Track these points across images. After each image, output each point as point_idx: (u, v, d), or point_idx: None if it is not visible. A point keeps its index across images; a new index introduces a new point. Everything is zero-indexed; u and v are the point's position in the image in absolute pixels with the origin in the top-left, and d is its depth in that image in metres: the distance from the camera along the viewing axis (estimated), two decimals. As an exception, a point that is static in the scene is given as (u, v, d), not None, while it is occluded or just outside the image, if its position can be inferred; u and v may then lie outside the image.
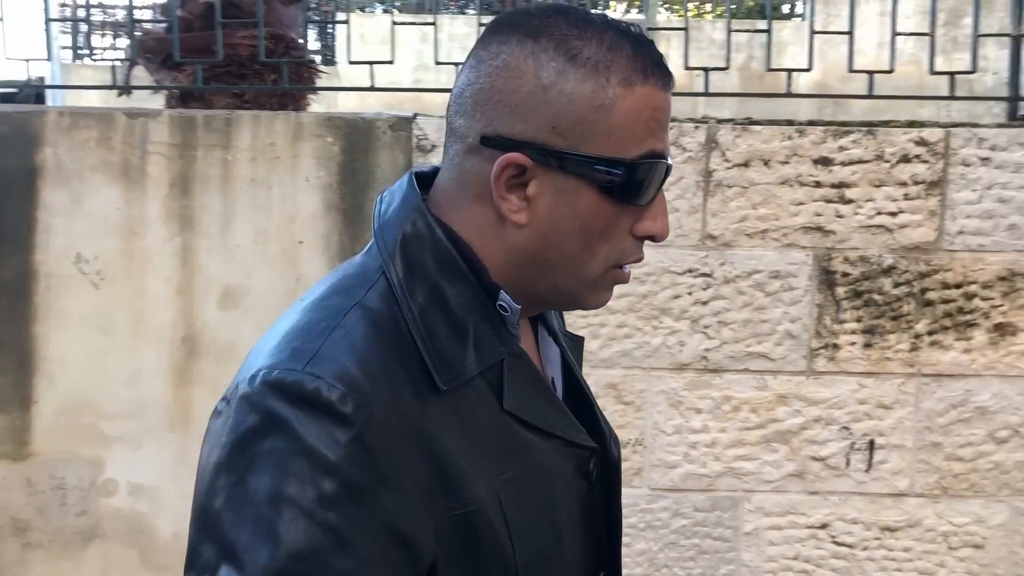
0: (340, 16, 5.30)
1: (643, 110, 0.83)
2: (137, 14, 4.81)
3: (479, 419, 0.83)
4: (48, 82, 4.88)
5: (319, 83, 3.24)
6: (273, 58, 2.88)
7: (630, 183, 0.83)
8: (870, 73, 2.65)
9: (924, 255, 2.47)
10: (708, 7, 9.33)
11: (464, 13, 8.85)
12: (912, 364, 2.48)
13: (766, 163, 2.46)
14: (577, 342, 1.03)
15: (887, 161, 2.46)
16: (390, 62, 2.76)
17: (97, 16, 8.54)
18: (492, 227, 0.85)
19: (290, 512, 0.74)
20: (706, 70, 2.69)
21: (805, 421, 2.49)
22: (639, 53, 0.83)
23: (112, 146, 2.51)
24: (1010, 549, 2.52)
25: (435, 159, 2.48)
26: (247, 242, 2.52)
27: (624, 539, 2.50)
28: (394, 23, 2.88)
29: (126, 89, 2.94)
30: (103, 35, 9.17)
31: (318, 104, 4.02)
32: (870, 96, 2.68)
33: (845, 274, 2.47)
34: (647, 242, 0.88)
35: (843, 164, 2.46)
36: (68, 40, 8.47)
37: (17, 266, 2.51)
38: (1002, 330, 2.48)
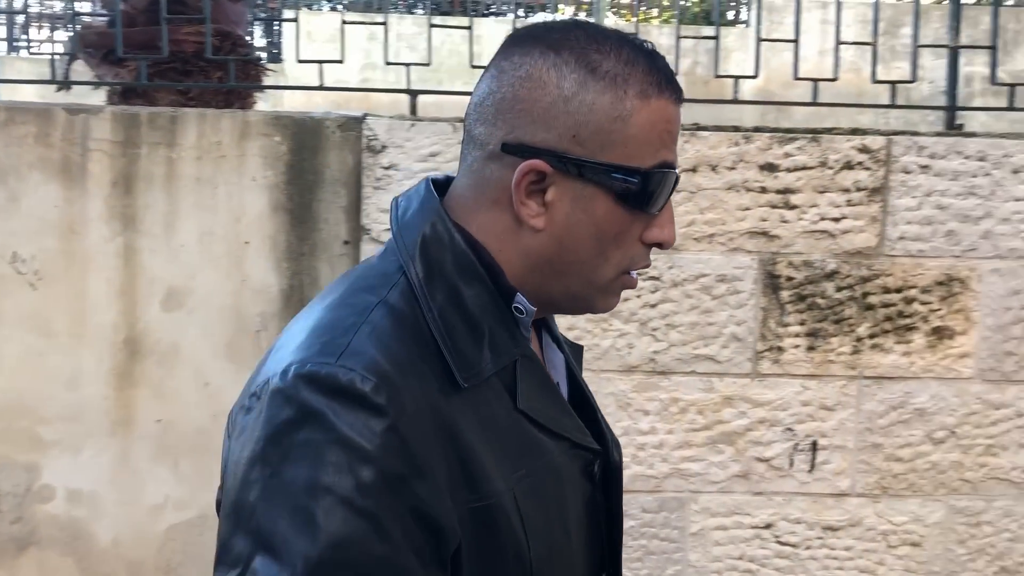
0: (288, 14, 5.23)
1: (657, 122, 0.87)
2: (77, 6, 4.69)
3: (495, 417, 0.86)
4: (-18, 75, 4.74)
5: (266, 81, 3.20)
6: (219, 55, 2.83)
7: (644, 191, 0.87)
8: (815, 81, 2.70)
9: (866, 260, 2.52)
10: (655, 12, 9.42)
11: (412, 13, 8.79)
12: (854, 367, 2.53)
13: (713, 168, 2.49)
14: (577, 350, 1.07)
15: (831, 168, 2.50)
16: (340, 61, 2.74)
17: (35, 7, 8.32)
18: (509, 231, 0.88)
19: (328, 501, 0.75)
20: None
21: (750, 423, 2.53)
22: (654, 68, 0.87)
23: (51, 143, 2.45)
24: (945, 547, 2.58)
25: (385, 160, 2.46)
26: (192, 242, 2.48)
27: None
28: (344, 22, 2.85)
29: (66, 84, 2.86)
30: (40, 27, 8.93)
31: (264, 103, 3.96)
32: (815, 104, 2.73)
33: (789, 278, 2.51)
34: (654, 249, 0.91)
35: (788, 170, 2.50)
36: (3, 32, 8.24)
37: (-50, 265, 2.43)
38: (940, 333, 2.54)
